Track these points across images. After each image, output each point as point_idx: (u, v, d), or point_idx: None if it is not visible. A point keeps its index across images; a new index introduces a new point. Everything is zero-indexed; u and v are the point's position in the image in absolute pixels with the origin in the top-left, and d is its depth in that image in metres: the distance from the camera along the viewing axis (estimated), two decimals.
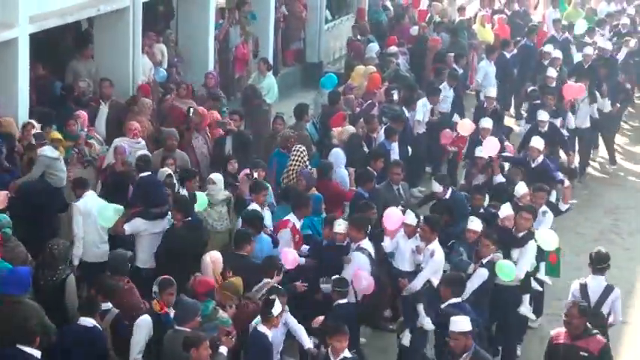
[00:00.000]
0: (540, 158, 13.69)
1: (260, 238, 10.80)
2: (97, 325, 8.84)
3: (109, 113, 14.03)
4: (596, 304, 10.18)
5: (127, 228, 10.96)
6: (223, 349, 8.77)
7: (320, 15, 21.56)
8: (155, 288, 9.05)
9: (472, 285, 10.49)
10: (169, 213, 11.01)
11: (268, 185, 12.09)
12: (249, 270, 10.11)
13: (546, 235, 11.28)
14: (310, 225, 11.59)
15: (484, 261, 10.70)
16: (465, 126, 15.13)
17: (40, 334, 8.63)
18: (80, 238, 10.84)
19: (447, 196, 12.25)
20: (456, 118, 16.32)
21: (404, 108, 16.01)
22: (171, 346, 8.71)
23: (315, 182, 12.53)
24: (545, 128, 15.19)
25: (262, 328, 9.05)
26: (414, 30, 21.28)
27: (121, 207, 10.68)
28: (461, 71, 18.89)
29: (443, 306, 9.79)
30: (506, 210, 11.29)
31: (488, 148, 13.55)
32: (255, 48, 18.95)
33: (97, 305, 8.96)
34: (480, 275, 10.62)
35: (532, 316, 11.59)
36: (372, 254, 10.72)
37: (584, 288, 10.29)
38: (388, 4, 23.46)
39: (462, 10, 23.18)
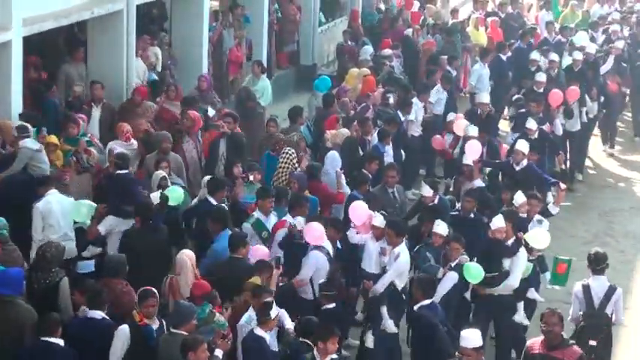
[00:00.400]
0: (525, 162, 13.45)
1: (226, 234, 10.72)
2: (106, 316, 8.95)
3: (102, 116, 13.99)
4: (600, 304, 10.24)
5: (101, 228, 10.98)
6: (219, 352, 8.73)
7: (314, 18, 21.58)
8: (135, 299, 8.98)
9: (443, 289, 10.52)
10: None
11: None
12: (246, 272, 10.09)
13: (537, 235, 11.22)
14: None
15: (453, 264, 10.71)
16: (460, 126, 15.11)
17: (30, 336, 8.70)
18: (38, 241, 10.70)
19: (435, 201, 12.20)
20: (451, 116, 16.12)
21: (399, 111, 16.00)
22: (168, 349, 8.69)
23: (307, 185, 12.52)
24: (535, 136, 14.93)
25: (259, 332, 9.01)
26: (409, 32, 21.30)
27: (94, 204, 10.69)
28: (454, 73, 18.92)
29: (415, 307, 9.83)
30: (498, 222, 11.10)
31: (471, 152, 13.45)
32: (249, 51, 18.95)
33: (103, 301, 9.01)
34: (451, 278, 10.64)
35: (526, 322, 11.55)
36: (331, 253, 10.73)
37: (587, 289, 10.33)
38: (382, 6, 23.46)
39: (455, 12, 23.22)
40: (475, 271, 10.50)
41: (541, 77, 17.43)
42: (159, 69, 16.42)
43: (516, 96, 17.50)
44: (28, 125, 12.15)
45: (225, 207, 11.45)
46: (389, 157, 14.42)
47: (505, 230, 11.01)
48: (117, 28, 14.90)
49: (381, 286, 10.59)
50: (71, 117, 13.03)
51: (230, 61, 18.26)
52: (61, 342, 8.58)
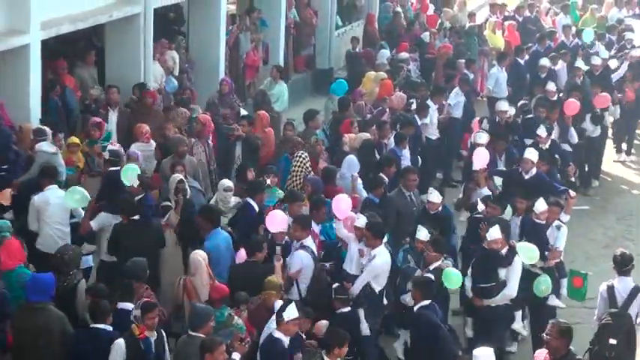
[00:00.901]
0: (534, 170, 13.11)
1: (216, 232, 10.72)
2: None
3: (118, 120, 14.03)
4: (624, 305, 10.21)
5: (94, 224, 11.02)
6: (236, 356, 8.72)
7: (330, 21, 21.61)
8: (136, 312, 8.71)
9: None
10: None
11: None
12: (263, 275, 10.05)
13: (526, 249, 10.93)
14: (323, 231, 11.58)
15: (431, 267, 10.67)
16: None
17: (59, 343, 8.75)
18: (34, 230, 10.93)
19: (439, 209, 12.03)
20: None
21: (415, 115, 15.98)
22: (185, 351, 8.70)
23: (322, 188, 12.52)
24: (547, 145, 14.60)
25: (278, 334, 8.97)
26: (425, 36, 21.29)
27: (87, 195, 10.76)
28: (472, 76, 18.88)
29: (415, 308, 9.82)
30: (494, 233, 10.92)
31: (478, 160, 13.30)
32: (266, 54, 18.98)
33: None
34: None
35: (524, 333, 11.38)
36: (315, 252, 10.70)
37: (611, 289, 10.33)
38: (399, 9, 23.45)
39: (472, 16, 23.18)
40: (454, 278, 10.39)
41: (551, 87, 17.16)
42: (176, 73, 16.47)
43: (522, 102, 17.17)
44: (46, 128, 12.21)
45: (218, 206, 11.51)
46: (406, 160, 14.39)
47: (501, 241, 10.90)
48: (134, 32, 14.97)
49: (356, 288, 10.51)
50: (94, 121, 13.13)
51: (247, 64, 18.30)
52: (109, 328, 8.72)
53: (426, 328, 9.62)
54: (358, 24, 22.86)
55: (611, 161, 18.91)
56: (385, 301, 10.76)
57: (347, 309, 10.03)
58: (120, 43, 15.07)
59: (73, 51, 15.55)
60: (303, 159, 13.10)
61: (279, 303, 9.39)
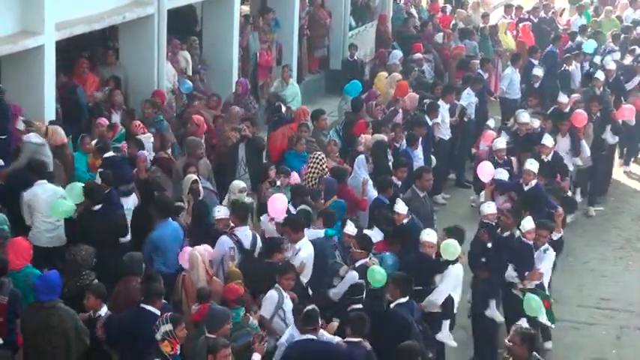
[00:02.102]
0: (534, 182, 12.87)
1: (165, 223, 10.72)
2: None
3: (121, 121, 13.94)
4: None
5: None
6: (256, 357, 8.66)
7: (344, 22, 21.58)
8: (168, 327, 8.28)
9: (344, 286, 10.42)
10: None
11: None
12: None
13: (447, 245, 10.68)
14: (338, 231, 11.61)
15: (356, 264, 10.63)
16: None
17: (75, 340, 8.75)
18: (30, 224, 11.11)
19: (405, 221, 11.72)
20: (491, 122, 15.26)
21: (426, 116, 15.94)
22: (202, 353, 8.62)
23: (336, 190, 12.52)
24: (549, 157, 14.25)
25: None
26: (439, 37, 21.26)
27: (73, 204, 10.85)
28: (486, 76, 18.83)
29: (392, 305, 9.77)
30: (427, 237, 10.83)
31: (482, 174, 13.15)
32: (279, 55, 18.99)
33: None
34: (351, 277, 10.51)
35: (452, 343, 10.95)
36: (244, 243, 10.70)
37: None
38: (413, 11, 23.43)
39: (485, 17, 23.13)
40: (378, 277, 10.23)
41: (563, 99, 16.52)
42: (189, 73, 16.49)
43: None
44: (33, 121, 12.29)
45: (169, 198, 11.58)
46: (419, 161, 14.36)
47: (433, 245, 10.77)
48: (148, 33, 15.00)
49: None
50: (102, 121, 13.19)
51: (259, 65, 18.31)
52: (157, 311, 8.75)
53: (397, 326, 9.53)
54: (372, 25, 22.83)
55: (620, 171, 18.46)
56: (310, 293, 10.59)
57: (359, 305, 9.87)
58: (134, 44, 15.10)
59: (92, 51, 15.61)
60: (320, 159, 13.11)
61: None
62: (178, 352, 8.44)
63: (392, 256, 11.07)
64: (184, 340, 8.44)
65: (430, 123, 15.80)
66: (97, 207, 10.88)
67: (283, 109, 15.22)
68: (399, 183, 13.01)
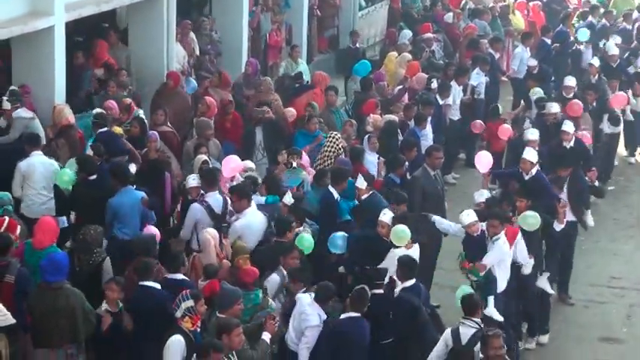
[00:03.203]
0: (534, 171, 12.38)
1: (125, 191, 10.81)
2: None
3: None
4: None
5: None
6: (266, 336, 8.73)
7: (354, 2, 21.52)
8: (189, 303, 8.42)
9: None
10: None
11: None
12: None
13: (396, 231, 10.50)
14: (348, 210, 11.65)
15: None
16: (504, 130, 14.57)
17: (82, 320, 8.79)
18: (19, 196, 11.19)
19: (365, 197, 11.70)
20: (532, 135, 13.79)
21: (437, 96, 15.92)
22: (213, 332, 8.60)
23: (351, 171, 12.52)
24: (571, 143, 13.79)
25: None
26: (449, 17, 21.19)
27: (74, 172, 11.06)
28: (497, 56, 18.76)
29: (397, 290, 9.69)
30: (384, 216, 10.74)
31: (480, 164, 12.84)
32: (289, 35, 18.95)
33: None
34: None
35: None
36: (214, 208, 10.79)
37: None
38: None
39: None
40: (306, 244, 10.29)
41: (570, 82, 16.08)
42: (197, 53, 16.45)
43: (537, 96, 16.07)
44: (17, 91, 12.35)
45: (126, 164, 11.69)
46: (427, 140, 14.35)
47: (386, 226, 10.65)
48: (157, 14, 14.97)
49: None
50: (115, 106, 13.19)
51: (269, 45, 18.30)
52: (157, 286, 8.99)
53: (405, 310, 9.48)
54: (382, 5, 22.76)
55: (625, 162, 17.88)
56: None
57: (380, 290, 9.70)
58: (143, 25, 15.07)
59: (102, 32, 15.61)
60: (337, 140, 13.11)
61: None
62: (199, 328, 8.49)
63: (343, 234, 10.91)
64: None
65: (441, 102, 15.80)
66: (93, 177, 11.02)
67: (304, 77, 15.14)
68: (404, 159, 13.01)
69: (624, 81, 17.44)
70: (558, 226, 11.76)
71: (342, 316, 9.18)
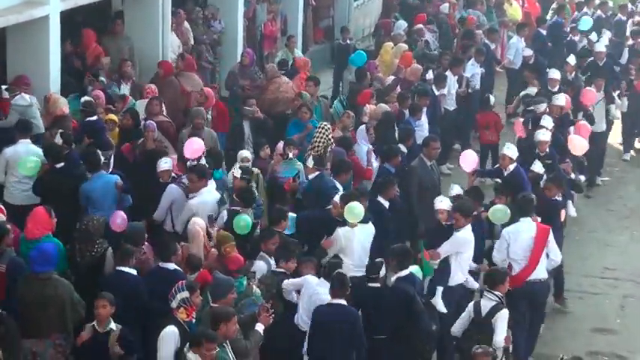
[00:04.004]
0: (512, 167, 12.44)
1: (97, 176, 10.93)
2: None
3: (130, 94, 13.94)
4: None
5: None
6: (260, 327, 8.75)
7: None
8: (185, 294, 8.47)
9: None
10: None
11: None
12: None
13: (350, 207, 10.54)
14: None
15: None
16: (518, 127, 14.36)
17: (70, 311, 8.80)
18: (1, 182, 11.38)
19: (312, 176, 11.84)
20: (543, 136, 13.54)
21: (433, 86, 15.93)
22: (207, 322, 8.59)
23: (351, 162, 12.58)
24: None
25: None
26: (445, 7, 21.17)
27: (38, 160, 11.06)
28: (493, 46, 18.75)
29: (392, 279, 9.76)
30: (337, 197, 10.94)
31: (465, 163, 12.72)
32: (284, 25, 18.94)
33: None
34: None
35: None
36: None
37: None
38: None
39: None
40: (242, 223, 10.35)
41: (555, 74, 16.05)
42: (191, 43, 16.41)
43: (524, 92, 16.06)
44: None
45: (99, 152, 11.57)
46: (424, 131, 14.37)
47: (337, 206, 10.80)
48: (153, 4, 14.94)
49: (180, 223, 10.87)
50: (102, 95, 13.17)
51: (265, 35, 18.29)
52: (134, 272, 9.13)
53: (400, 301, 9.51)
54: None
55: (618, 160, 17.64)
56: None
57: (376, 284, 9.78)
58: (138, 15, 15.05)
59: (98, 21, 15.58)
60: (326, 130, 13.13)
61: None
62: (194, 319, 8.52)
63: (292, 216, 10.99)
64: None
65: (437, 93, 15.80)
66: (60, 165, 11.06)
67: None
68: (405, 152, 13.03)
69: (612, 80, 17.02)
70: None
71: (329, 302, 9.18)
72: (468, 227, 10.64)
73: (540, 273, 10.78)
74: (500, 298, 9.45)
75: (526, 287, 10.67)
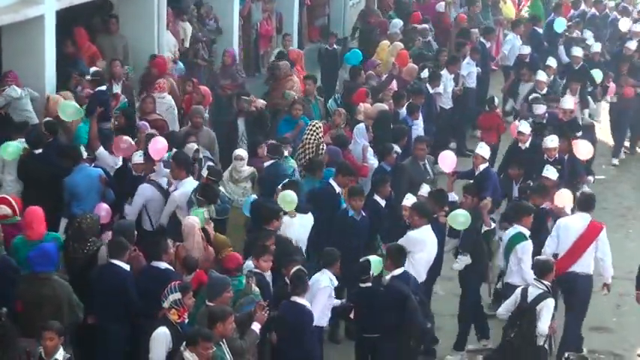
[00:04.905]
0: (482, 166, 12.42)
1: (79, 169, 10.98)
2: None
3: (121, 93, 13.91)
4: None
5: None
6: (256, 326, 8.75)
7: None
8: (177, 296, 8.41)
9: None
10: None
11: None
12: (280, 244, 10.15)
13: (284, 194, 10.72)
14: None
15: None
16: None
17: (67, 312, 8.80)
18: None
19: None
20: (551, 143, 13.30)
21: (428, 85, 15.93)
22: (203, 322, 8.57)
23: (340, 157, 12.56)
24: (527, 144, 13.61)
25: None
26: (440, 6, 21.17)
27: (19, 145, 11.17)
28: (489, 45, 18.76)
29: (387, 277, 9.78)
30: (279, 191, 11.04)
31: (444, 164, 12.65)
32: (279, 24, 18.94)
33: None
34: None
35: None
36: (162, 185, 11.06)
37: None
38: None
39: None
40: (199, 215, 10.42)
41: (542, 77, 16.03)
42: (187, 44, 16.40)
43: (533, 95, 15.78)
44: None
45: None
46: (418, 130, 14.39)
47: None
48: (148, 3, 14.93)
49: (164, 217, 10.94)
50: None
51: (260, 34, 18.29)
52: (126, 266, 9.10)
53: (395, 300, 9.52)
54: None
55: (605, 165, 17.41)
56: None
57: (368, 284, 9.86)
58: (134, 14, 15.03)
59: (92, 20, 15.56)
60: (317, 129, 13.14)
61: None
62: (186, 320, 8.51)
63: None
64: None
65: (432, 92, 15.80)
66: (38, 151, 11.12)
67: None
68: (399, 151, 13.04)
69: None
70: (483, 229, 11.48)
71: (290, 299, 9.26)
72: (426, 228, 10.58)
73: (584, 267, 10.93)
74: (547, 287, 9.77)
75: (566, 277, 10.81)
